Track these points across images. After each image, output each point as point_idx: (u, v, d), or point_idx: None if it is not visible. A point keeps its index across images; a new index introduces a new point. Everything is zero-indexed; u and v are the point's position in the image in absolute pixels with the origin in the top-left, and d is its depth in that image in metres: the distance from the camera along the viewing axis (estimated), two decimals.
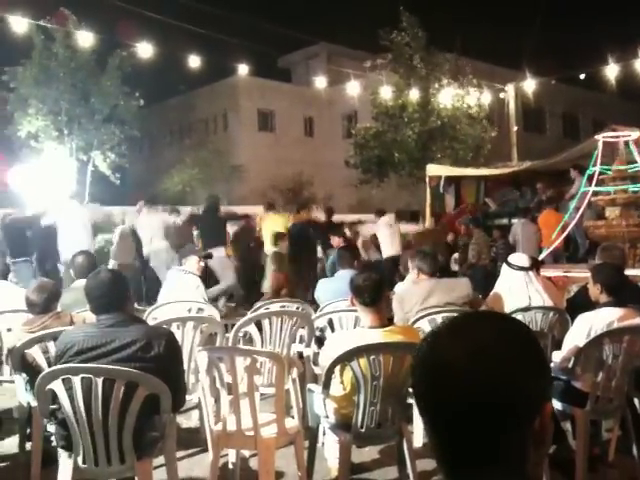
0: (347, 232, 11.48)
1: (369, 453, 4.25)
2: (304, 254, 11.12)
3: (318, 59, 32.22)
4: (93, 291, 3.13)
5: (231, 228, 11.77)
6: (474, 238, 11.10)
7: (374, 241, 12.05)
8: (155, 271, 9.80)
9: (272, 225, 10.73)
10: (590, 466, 3.80)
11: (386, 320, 3.60)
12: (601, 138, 9.36)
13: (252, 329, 4.82)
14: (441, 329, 1.04)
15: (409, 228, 13.17)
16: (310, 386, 4.00)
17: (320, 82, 17.70)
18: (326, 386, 3.44)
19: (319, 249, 11.37)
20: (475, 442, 0.95)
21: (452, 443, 0.98)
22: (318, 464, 3.91)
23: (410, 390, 3.83)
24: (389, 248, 11.17)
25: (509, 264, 4.88)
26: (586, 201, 9.22)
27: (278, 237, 10.11)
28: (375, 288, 3.53)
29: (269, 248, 10.49)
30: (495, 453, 0.96)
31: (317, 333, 5.09)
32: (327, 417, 3.61)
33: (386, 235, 11.30)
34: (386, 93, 18.21)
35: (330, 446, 3.89)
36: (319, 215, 11.99)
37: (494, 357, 0.96)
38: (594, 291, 4.09)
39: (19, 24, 11.82)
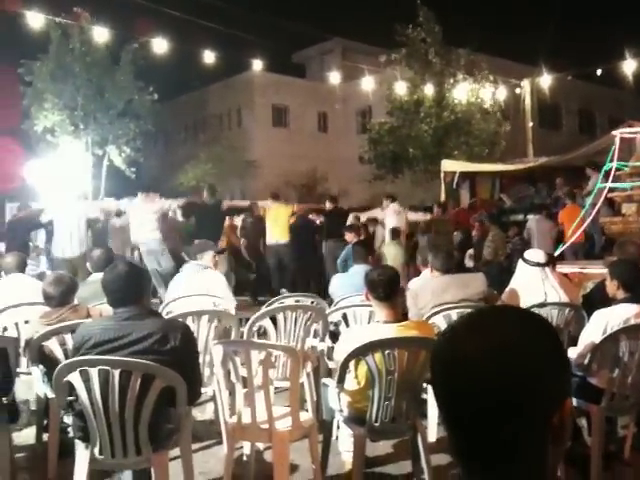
0: (354, 220, 11.39)
1: (383, 447, 4.26)
2: (308, 247, 11.17)
3: (333, 54, 32.16)
4: (110, 284, 3.15)
5: (237, 221, 11.80)
6: (490, 235, 11.02)
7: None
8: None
9: (276, 216, 10.67)
10: (605, 463, 3.79)
11: (401, 315, 3.59)
12: (618, 134, 9.29)
13: (267, 323, 4.84)
14: (459, 324, 1.04)
15: (417, 217, 12.98)
16: (324, 380, 4.01)
17: (334, 77, 17.68)
18: (341, 380, 3.45)
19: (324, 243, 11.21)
20: (493, 438, 0.94)
21: (469, 439, 0.97)
22: (332, 458, 3.93)
23: (425, 385, 3.84)
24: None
25: (525, 260, 4.86)
26: (602, 197, 9.15)
27: (394, 233, 10.24)
28: (390, 283, 3.53)
29: (275, 239, 10.51)
30: (513, 449, 0.95)
31: (331, 328, 5.10)
32: (341, 411, 3.62)
33: (392, 221, 11.22)
34: (401, 88, 18.15)
35: (344, 440, 3.90)
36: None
37: (513, 351, 0.95)
38: (611, 287, 4.07)
39: (36, 19, 11.92)
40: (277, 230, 10.57)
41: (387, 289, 3.51)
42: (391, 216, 11.32)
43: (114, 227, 10.93)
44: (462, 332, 1.01)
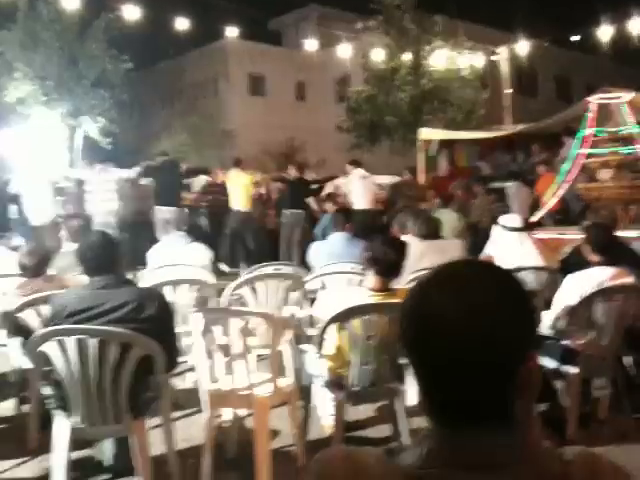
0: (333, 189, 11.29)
1: (363, 411, 4.30)
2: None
3: (309, 21, 31.77)
4: (85, 253, 3.12)
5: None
6: (478, 199, 11.03)
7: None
8: None
9: (238, 182, 10.62)
10: (581, 423, 3.87)
11: (389, 286, 3.58)
12: (593, 100, 9.32)
13: (245, 292, 4.83)
14: (428, 278, 1.04)
15: (384, 180, 12.78)
16: (303, 346, 4.03)
17: (311, 45, 17.51)
18: (320, 345, 3.46)
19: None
20: (459, 388, 0.96)
21: (439, 393, 0.99)
22: (313, 423, 3.97)
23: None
24: (361, 201, 10.86)
25: (502, 225, 4.89)
26: (578, 163, 9.21)
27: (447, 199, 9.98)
28: (389, 266, 3.50)
29: (239, 206, 10.50)
30: (480, 399, 0.96)
31: (310, 296, 5.11)
32: (321, 376, 3.64)
33: (358, 187, 10.97)
34: (377, 56, 18.00)
35: (324, 405, 3.94)
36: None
37: (479, 302, 0.96)
38: (586, 251, 4.11)
39: None
40: (237, 197, 10.56)
41: (384, 270, 3.50)
42: (357, 182, 11.03)
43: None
44: (431, 286, 1.02)
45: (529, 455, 0.95)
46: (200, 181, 12.01)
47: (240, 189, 10.60)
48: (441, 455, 0.95)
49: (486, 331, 0.94)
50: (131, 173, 10.21)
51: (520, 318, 0.99)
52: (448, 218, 9.82)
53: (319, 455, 1.05)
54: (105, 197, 9.47)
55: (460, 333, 0.94)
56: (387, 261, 3.49)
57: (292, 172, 11.20)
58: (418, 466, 0.95)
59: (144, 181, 10.50)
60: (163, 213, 9.67)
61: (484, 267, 1.06)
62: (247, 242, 10.66)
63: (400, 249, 3.62)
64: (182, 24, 14.12)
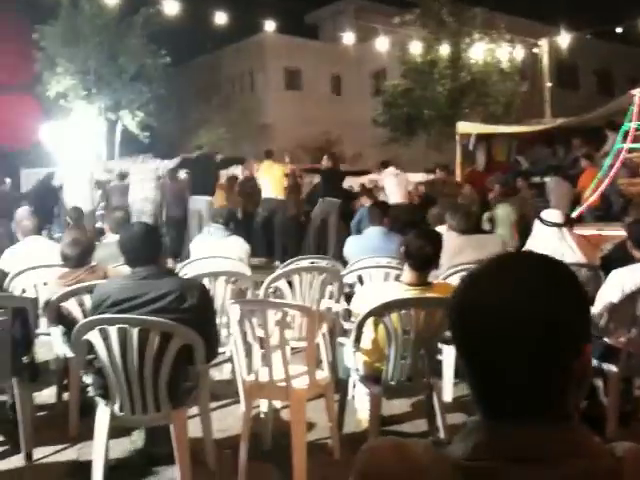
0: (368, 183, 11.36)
1: (399, 406, 4.29)
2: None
3: (346, 15, 31.63)
4: (127, 244, 3.17)
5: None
6: (521, 192, 10.89)
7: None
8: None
9: (270, 173, 10.71)
10: (621, 422, 3.80)
11: (426, 280, 3.56)
12: (637, 93, 9.10)
13: (283, 284, 4.85)
14: (479, 269, 1.02)
15: (419, 178, 12.78)
16: (340, 339, 4.03)
17: (348, 39, 17.42)
18: (357, 339, 3.46)
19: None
20: (513, 380, 0.94)
21: (490, 385, 0.97)
22: (348, 416, 3.98)
23: (440, 345, 3.85)
24: (394, 196, 10.87)
25: (542, 220, 4.81)
26: (620, 158, 9.02)
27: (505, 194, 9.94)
28: (425, 260, 3.48)
29: (271, 194, 10.57)
30: (533, 391, 0.95)
31: (346, 290, 5.11)
32: (357, 370, 3.64)
33: (392, 184, 11.10)
34: (415, 49, 17.86)
35: (360, 398, 3.94)
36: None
37: (535, 293, 0.94)
38: (630, 247, 4.03)
39: None
40: (270, 187, 10.64)
41: (420, 264, 3.48)
42: (389, 178, 11.16)
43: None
44: (482, 276, 1.00)
45: (581, 449, 0.93)
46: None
47: (272, 180, 10.70)
48: (490, 447, 0.94)
49: (539, 317, 0.93)
50: (170, 164, 10.38)
51: (576, 308, 0.97)
52: (505, 212, 9.74)
53: (367, 444, 1.04)
54: (145, 187, 9.61)
55: (512, 322, 0.93)
56: (422, 255, 3.47)
57: (325, 163, 11.17)
58: (467, 457, 0.93)
59: (182, 174, 10.66)
60: (197, 204, 9.76)
61: (536, 257, 1.04)
62: (279, 231, 10.72)
63: (436, 241, 3.59)
64: (220, 18, 14.19)
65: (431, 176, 12.15)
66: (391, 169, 11.27)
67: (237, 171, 12.27)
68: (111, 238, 5.14)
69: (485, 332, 0.95)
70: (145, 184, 9.74)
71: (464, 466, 0.93)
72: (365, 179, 12.22)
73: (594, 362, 3.88)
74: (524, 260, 1.04)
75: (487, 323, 0.95)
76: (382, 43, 16.58)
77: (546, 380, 0.95)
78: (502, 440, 0.94)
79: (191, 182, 10.43)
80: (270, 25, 15.79)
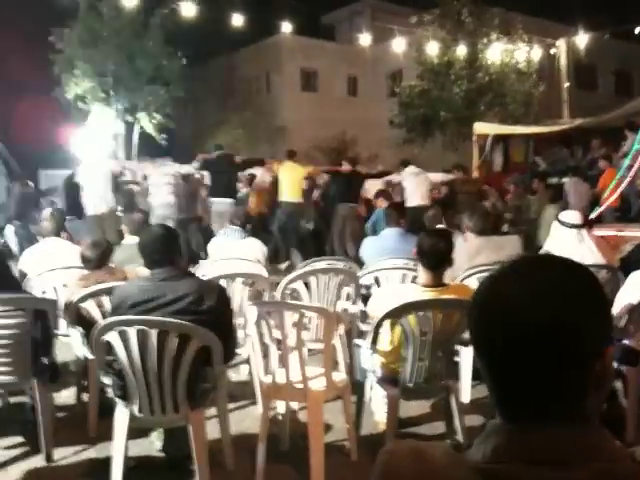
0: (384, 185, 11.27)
1: (416, 408, 4.28)
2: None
3: (362, 16, 31.61)
4: (147, 246, 3.20)
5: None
6: (538, 194, 10.83)
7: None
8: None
9: (291, 174, 10.64)
10: None
11: (442, 281, 3.56)
12: None
13: (299, 286, 4.86)
14: (500, 270, 1.01)
15: (439, 177, 12.65)
16: (357, 341, 4.03)
17: (364, 40, 17.42)
18: (374, 341, 3.46)
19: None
20: (534, 382, 0.94)
21: (510, 387, 0.97)
22: (365, 418, 3.97)
23: (458, 347, 3.84)
24: (414, 197, 10.78)
25: (560, 222, 4.78)
26: (639, 159, 8.94)
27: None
28: (439, 257, 3.48)
29: (290, 197, 10.51)
30: (554, 394, 0.94)
31: (363, 291, 5.10)
32: (374, 371, 3.64)
33: (411, 183, 10.93)
34: (432, 50, 17.81)
35: (378, 400, 3.94)
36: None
37: (557, 295, 0.94)
38: None
39: None
40: (289, 188, 10.56)
41: (434, 261, 3.48)
42: (409, 178, 11.02)
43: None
44: (503, 277, 1.00)
45: (601, 453, 0.93)
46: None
47: (293, 181, 10.60)
48: (510, 450, 0.93)
49: (561, 320, 0.92)
50: (189, 168, 10.38)
51: (596, 311, 0.96)
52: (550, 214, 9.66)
53: (386, 447, 1.04)
54: (164, 190, 9.65)
55: (534, 323, 0.92)
56: (435, 252, 3.47)
57: (345, 167, 11.21)
58: (486, 461, 0.93)
59: (197, 175, 10.63)
60: (218, 205, 9.79)
61: (558, 261, 1.03)
62: (297, 233, 10.71)
63: (447, 239, 3.61)
64: (236, 20, 14.25)
65: (450, 176, 12.07)
66: (411, 168, 11.10)
67: (256, 172, 12.23)
68: (130, 240, 5.18)
69: (504, 334, 0.95)
70: (166, 188, 9.71)
71: (483, 469, 0.92)
72: (382, 181, 12.14)
73: (614, 364, 3.84)
74: (545, 263, 1.03)
75: (507, 325, 0.95)
76: (398, 44, 16.56)
77: (566, 383, 0.94)
78: (522, 443, 0.94)
79: (212, 184, 10.38)
80: (286, 26, 15.85)
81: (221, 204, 9.87)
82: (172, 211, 9.63)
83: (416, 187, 10.84)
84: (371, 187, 11.83)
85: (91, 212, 9.42)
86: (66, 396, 4.66)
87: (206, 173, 10.67)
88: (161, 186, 9.66)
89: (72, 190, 10.18)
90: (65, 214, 8.59)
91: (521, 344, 0.93)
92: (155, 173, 9.88)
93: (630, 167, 9.28)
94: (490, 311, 0.98)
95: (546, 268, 1.00)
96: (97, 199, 9.35)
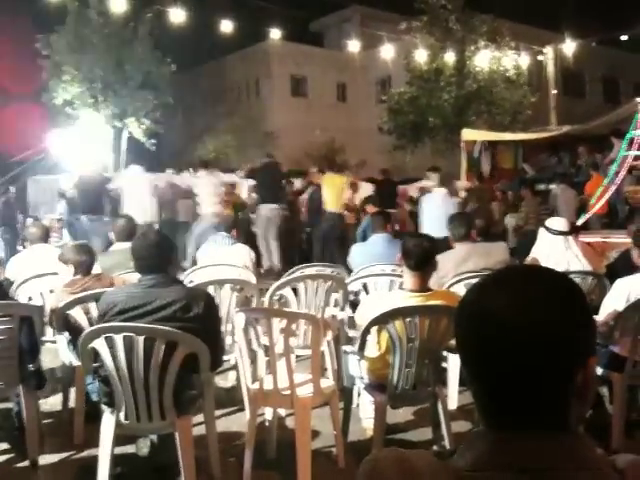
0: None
1: (404, 414, 4.29)
2: None
3: (351, 22, 31.74)
4: (140, 251, 3.19)
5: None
6: (525, 201, 10.92)
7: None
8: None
9: (333, 184, 10.78)
10: (627, 431, 3.78)
11: (428, 285, 3.57)
12: None
13: (287, 292, 4.85)
14: (487, 280, 1.03)
15: (460, 185, 12.86)
16: (345, 347, 4.03)
17: (353, 46, 17.48)
18: (362, 347, 3.46)
19: None
20: (518, 391, 0.95)
21: (493, 395, 0.98)
22: (353, 424, 3.97)
23: (445, 353, 3.85)
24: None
25: (547, 228, 4.81)
26: (626, 166, 9.01)
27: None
28: (423, 255, 3.49)
29: (334, 207, 10.59)
30: (537, 403, 0.96)
31: (351, 297, 5.11)
32: (362, 378, 3.64)
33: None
34: (421, 56, 17.89)
35: (365, 407, 3.94)
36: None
37: (541, 305, 0.95)
38: (634, 255, 4.03)
39: None
40: (331, 199, 10.68)
41: (419, 260, 3.48)
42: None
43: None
44: (489, 287, 1.01)
45: (583, 461, 0.94)
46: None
47: (334, 192, 10.72)
48: (492, 458, 0.94)
49: (544, 330, 0.94)
50: (234, 177, 10.69)
51: (579, 322, 0.98)
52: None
53: (370, 456, 1.05)
54: (212, 201, 9.79)
55: (517, 332, 0.94)
56: (420, 251, 3.47)
57: (380, 176, 12.00)
58: (469, 468, 0.94)
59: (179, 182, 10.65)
60: (265, 211, 9.97)
61: (542, 270, 1.06)
62: (339, 242, 10.78)
63: (431, 239, 3.63)
64: (225, 26, 14.25)
65: (468, 184, 12.35)
66: (438, 176, 11.34)
67: (297, 183, 12.35)
68: (117, 246, 5.17)
69: (488, 343, 0.96)
70: (212, 198, 9.84)
71: (465, 477, 0.93)
72: (414, 186, 12.44)
73: (600, 371, 3.87)
74: (530, 274, 1.05)
75: (490, 334, 0.96)
76: (387, 51, 16.62)
77: (549, 392, 0.95)
78: (504, 451, 0.95)
79: (259, 191, 10.55)
80: (275, 33, 15.85)
81: (268, 210, 10.02)
82: (219, 220, 9.71)
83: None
84: (405, 192, 12.39)
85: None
86: (52, 403, 4.63)
87: (249, 181, 10.92)
88: (209, 196, 9.81)
89: (90, 190, 10.14)
90: (81, 212, 8.58)
91: (504, 354, 0.95)
92: (200, 183, 9.98)
93: (617, 174, 9.36)
94: (474, 321, 0.99)
95: (531, 279, 1.01)
96: (140, 210, 9.40)
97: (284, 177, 11.31)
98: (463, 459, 0.96)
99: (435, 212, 9.93)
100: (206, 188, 9.87)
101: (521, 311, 0.95)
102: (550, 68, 18.92)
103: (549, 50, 18.79)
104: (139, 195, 9.61)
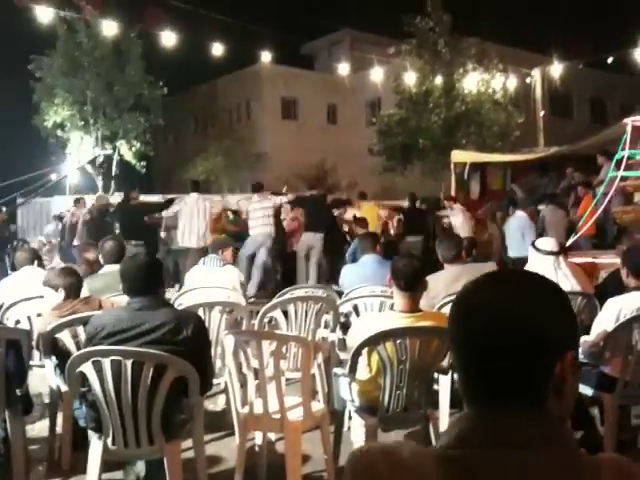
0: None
1: (395, 437, 4.25)
2: None
3: (341, 45, 32.07)
4: (130, 273, 3.17)
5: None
6: None
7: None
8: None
9: (370, 214, 11.39)
10: (619, 452, 3.77)
11: (418, 306, 3.57)
12: (630, 122, 9.19)
13: (278, 314, 4.84)
14: (479, 279, 1.13)
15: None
16: (336, 370, 4.00)
17: (343, 69, 17.60)
18: (352, 369, 3.44)
19: None
20: (496, 372, 1.04)
21: (475, 374, 1.07)
22: (344, 448, 3.93)
23: (436, 375, 3.83)
24: (463, 233, 11.24)
25: (537, 248, 4.82)
26: (614, 186, 9.07)
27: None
28: (413, 275, 3.49)
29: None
30: (514, 386, 1.04)
31: (342, 319, 5.09)
32: (353, 401, 3.62)
33: (460, 220, 11.56)
34: (410, 79, 18.06)
35: (356, 430, 3.90)
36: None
37: (526, 299, 1.05)
38: (624, 275, 4.03)
39: (44, 14, 11.94)
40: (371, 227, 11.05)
41: (409, 280, 3.48)
42: (458, 215, 11.70)
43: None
44: (481, 284, 1.12)
45: (561, 440, 1.02)
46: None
47: (371, 221, 11.14)
48: (471, 435, 1.02)
49: (526, 322, 1.03)
50: (281, 201, 10.94)
51: (559, 316, 1.07)
52: None
53: (357, 448, 1.12)
54: (264, 222, 10.09)
55: (501, 322, 1.03)
56: (409, 271, 3.47)
57: (406, 203, 12.55)
58: (450, 446, 1.01)
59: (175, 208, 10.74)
60: (308, 238, 10.39)
61: (531, 274, 1.16)
62: None
63: (420, 260, 3.63)
64: (216, 49, 14.35)
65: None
66: (460, 206, 11.90)
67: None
68: (105, 269, 5.14)
69: (477, 329, 1.05)
70: (264, 220, 10.10)
71: (446, 455, 1.00)
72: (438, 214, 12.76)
73: (590, 391, 3.86)
74: (518, 274, 1.19)
75: (479, 322, 1.06)
76: (377, 73, 16.75)
77: (527, 376, 1.03)
78: (483, 427, 1.02)
79: (306, 219, 10.97)
80: (266, 56, 15.96)
81: (312, 238, 10.38)
82: (270, 242, 10.08)
83: (463, 222, 11.52)
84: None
85: (184, 244, 9.90)
86: (39, 428, 4.57)
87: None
88: (261, 219, 10.11)
89: (134, 217, 10.27)
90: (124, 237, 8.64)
91: (488, 338, 1.04)
92: (251, 208, 10.27)
93: (605, 194, 9.41)
94: (465, 311, 1.10)
95: (518, 277, 1.15)
96: (192, 234, 9.81)
97: (330, 208, 11.70)
98: (446, 438, 1.04)
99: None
100: (256, 213, 10.21)
101: (506, 301, 1.05)
102: (538, 90, 19.14)
103: (536, 72, 19.02)
104: (196, 220, 9.92)
